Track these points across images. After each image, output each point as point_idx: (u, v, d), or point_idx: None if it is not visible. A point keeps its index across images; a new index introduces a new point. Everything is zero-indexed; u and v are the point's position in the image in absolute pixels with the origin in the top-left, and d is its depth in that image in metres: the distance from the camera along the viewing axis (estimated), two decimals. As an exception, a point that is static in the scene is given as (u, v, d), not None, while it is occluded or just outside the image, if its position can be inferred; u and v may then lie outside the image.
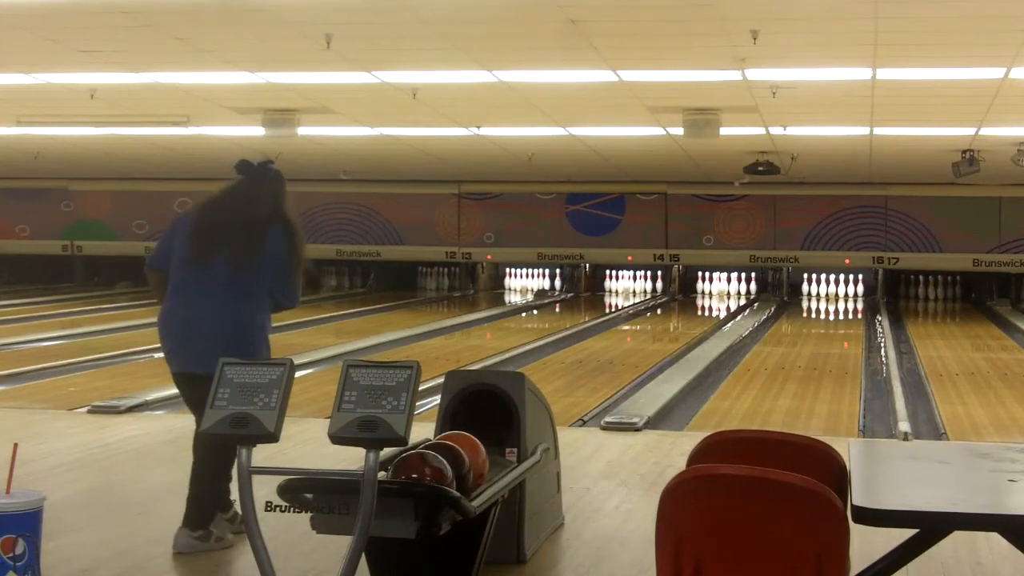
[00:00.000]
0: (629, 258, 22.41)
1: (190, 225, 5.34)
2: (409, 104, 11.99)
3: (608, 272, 23.22)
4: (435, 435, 5.01)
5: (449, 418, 5.26)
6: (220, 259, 5.23)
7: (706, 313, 20.23)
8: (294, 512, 4.05)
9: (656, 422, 8.86)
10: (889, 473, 4.09)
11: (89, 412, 8.94)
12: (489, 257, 22.71)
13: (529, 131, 14.80)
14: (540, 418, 5.53)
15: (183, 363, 5.23)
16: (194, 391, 5.10)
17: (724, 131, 12.81)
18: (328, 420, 3.83)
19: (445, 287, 23.33)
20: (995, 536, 3.93)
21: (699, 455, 4.06)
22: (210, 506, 5.29)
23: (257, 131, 13.69)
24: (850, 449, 4.19)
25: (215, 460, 5.22)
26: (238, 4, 8.42)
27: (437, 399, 5.57)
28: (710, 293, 22.62)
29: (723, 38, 8.95)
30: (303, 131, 13.77)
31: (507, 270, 23.65)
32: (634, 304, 21.26)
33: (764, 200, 21.28)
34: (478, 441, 4.63)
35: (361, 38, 9.46)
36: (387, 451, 4.14)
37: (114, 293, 21.92)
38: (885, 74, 10.20)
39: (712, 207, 21.65)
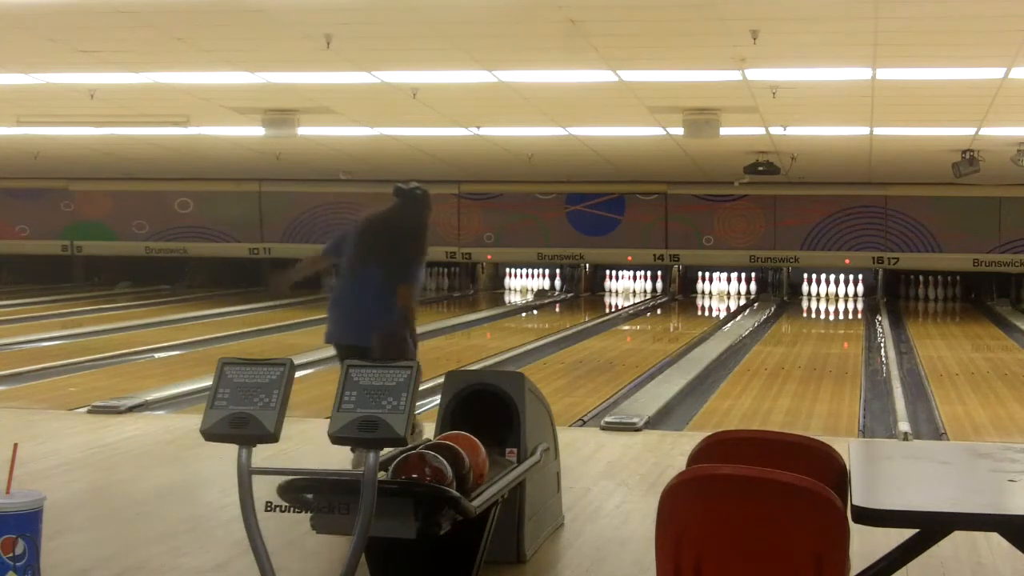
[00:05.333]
0: (629, 258, 22.41)
1: (359, 233, 6.80)
2: (409, 104, 11.99)
3: (608, 272, 23.21)
4: (435, 435, 5.01)
5: (449, 418, 5.26)
6: (375, 263, 6.64)
7: (706, 313, 20.23)
8: (294, 512, 4.05)
9: (656, 422, 8.86)
10: (889, 473, 4.09)
11: (89, 412, 8.94)
12: (489, 257, 22.71)
13: (529, 131, 14.80)
14: (540, 418, 5.53)
15: (342, 337, 6.72)
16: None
17: (724, 131, 12.81)
18: (328, 420, 3.83)
19: (445, 287, 23.33)
20: (995, 536, 3.94)
21: (699, 455, 4.06)
22: None
23: (257, 131, 13.69)
24: (850, 449, 4.19)
25: None
26: (238, 4, 8.42)
27: (437, 399, 5.57)
28: (710, 293, 22.61)
29: (723, 38, 8.95)
30: (303, 131, 13.77)
31: (507, 270, 23.65)
32: (634, 304, 21.26)
33: (764, 200, 21.28)
34: (478, 441, 4.63)
35: (361, 38, 9.46)
36: (387, 451, 4.14)
37: (114, 293, 21.93)
38: (885, 74, 10.20)
39: (712, 207, 21.65)
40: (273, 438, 3.79)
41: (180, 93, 12.12)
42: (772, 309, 19.87)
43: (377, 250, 6.67)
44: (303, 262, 7.30)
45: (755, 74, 10.31)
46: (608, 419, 8.55)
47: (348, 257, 6.80)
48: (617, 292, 23.03)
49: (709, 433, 4.25)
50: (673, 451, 7.49)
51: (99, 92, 12.01)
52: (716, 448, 4.07)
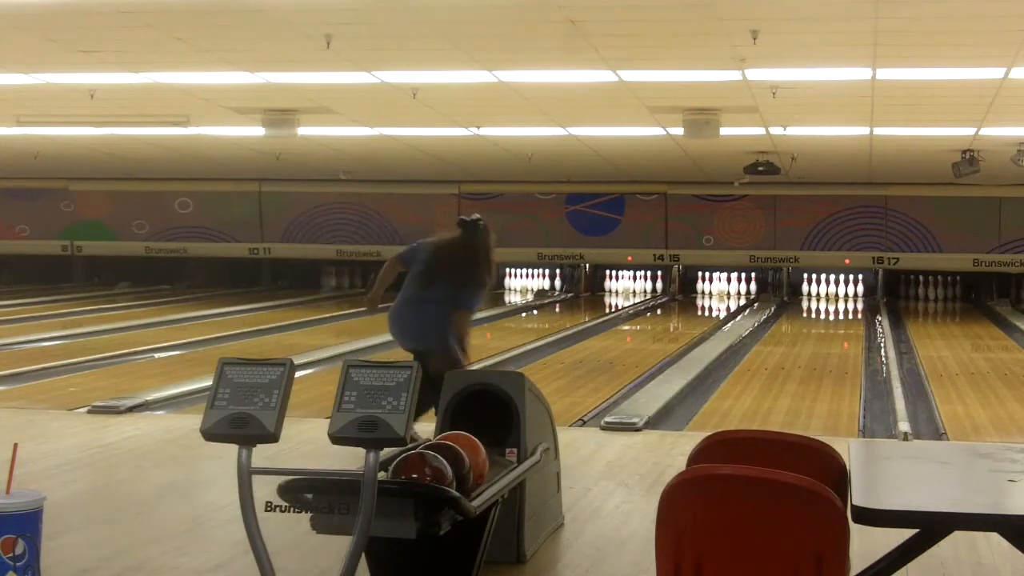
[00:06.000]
0: (629, 258, 22.41)
1: (428, 254, 7.46)
2: (409, 104, 11.99)
3: (608, 272, 23.21)
4: (435, 435, 5.01)
5: (449, 418, 5.26)
6: (440, 282, 7.32)
7: (706, 313, 20.23)
8: (294, 512, 4.05)
9: (656, 422, 8.86)
10: (889, 473, 4.08)
11: (89, 412, 8.94)
12: (489, 257, 22.68)
13: (529, 131, 14.80)
14: (540, 418, 5.53)
15: (407, 342, 7.49)
16: (416, 358, 7.17)
17: (724, 131, 12.81)
18: (328, 420, 3.83)
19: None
20: (995, 536, 3.94)
21: (699, 455, 4.06)
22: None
23: (257, 131, 13.69)
24: (850, 449, 4.19)
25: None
26: (238, 4, 8.42)
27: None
28: (710, 293, 22.61)
29: (723, 38, 8.95)
30: (303, 131, 13.77)
31: (507, 270, 23.64)
32: (634, 304, 21.26)
33: (764, 200, 21.28)
34: (478, 441, 4.63)
35: (361, 38, 9.46)
36: (387, 451, 4.14)
37: (114, 293, 21.93)
38: (885, 74, 10.20)
39: (712, 207, 21.65)
40: (273, 438, 3.78)
41: (180, 93, 12.12)
42: (772, 309, 19.87)
43: (441, 274, 7.35)
44: (380, 277, 7.78)
45: (755, 74, 10.31)
46: (608, 419, 8.55)
47: (416, 273, 7.45)
48: (617, 292, 23.03)
49: (709, 433, 4.24)
50: (673, 451, 7.49)
51: (99, 92, 12.01)
52: (716, 448, 4.07)
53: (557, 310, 20.71)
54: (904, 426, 8.60)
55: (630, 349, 14.82)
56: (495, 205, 21.85)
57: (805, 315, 20.10)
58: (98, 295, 21.26)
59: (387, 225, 22.54)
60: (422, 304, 7.38)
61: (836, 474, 3.91)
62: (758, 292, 22.38)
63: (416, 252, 7.57)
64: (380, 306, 7.78)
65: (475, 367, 11.30)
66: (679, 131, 13.22)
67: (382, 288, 7.72)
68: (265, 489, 3.98)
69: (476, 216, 7.62)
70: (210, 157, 18.60)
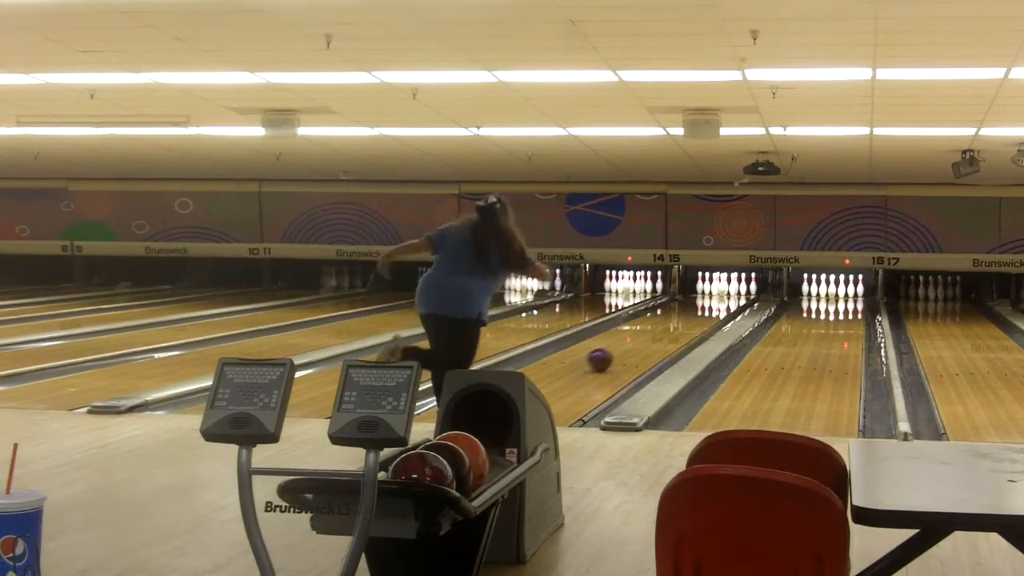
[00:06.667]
0: (629, 258, 22.41)
1: (457, 241, 7.58)
2: (409, 104, 11.99)
3: (608, 272, 23.20)
4: (435, 435, 5.01)
5: (449, 418, 5.26)
6: (473, 266, 7.49)
7: (706, 313, 20.23)
8: (294, 512, 4.04)
9: (656, 422, 8.85)
10: (889, 473, 4.08)
11: (89, 412, 8.93)
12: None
13: (529, 131, 14.80)
14: (540, 418, 5.53)
15: (437, 308, 7.51)
16: (439, 328, 7.51)
17: (724, 131, 12.81)
18: (328, 420, 3.83)
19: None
20: (995, 536, 3.93)
21: (699, 455, 4.06)
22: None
23: (257, 131, 13.69)
24: (850, 449, 4.19)
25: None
26: (238, 4, 8.42)
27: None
28: (710, 293, 22.61)
29: (723, 38, 8.95)
30: (303, 131, 13.77)
31: (507, 270, 23.61)
32: (634, 304, 21.26)
33: (764, 200, 21.28)
34: (478, 441, 4.63)
35: (361, 38, 9.46)
36: (387, 451, 4.14)
37: (114, 293, 21.93)
38: (885, 74, 10.20)
39: (712, 207, 21.64)
40: (273, 438, 3.78)
41: (180, 93, 12.12)
42: (772, 309, 19.86)
43: (471, 259, 7.52)
44: (404, 246, 8.05)
45: (755, 74, 10.31)
46: (608, 419, 8.55)
47: (448, 258, 7.59)
48: (617, 292, 23.03)
49: (709, 433, 4.24)
50: (673, 451, 7.49)
51: (99, 92, 12.01)
52: (716, 448, 4.07)
53: (557, 310, 20.71)
54: (904, 426, 8.60)
55: (630, 349, 14.82)
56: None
57: (805, 315, 20.10)
58: (98, 295, 21.26)
59: (387, 225, 22.55)
60: (458, 283, 7.52)
61: (836, 474, 3.91)
62: (758, 292, 22.37)
63: (444, 237, 7.68)
64: (387, 277, 7.95)
65: (475, 367, 11.32)
66: (679, 131, 13.22)
67: (400, 256, 7.97)
68: (265, 489, 3.98)
69: (492, 199, 7.69)
70: (210, 157, 18.60)
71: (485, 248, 7.53)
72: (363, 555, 3.81)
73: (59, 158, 19.04)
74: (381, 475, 4.07)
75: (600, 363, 11.75)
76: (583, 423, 8.87)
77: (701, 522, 3.49)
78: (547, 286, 22.70)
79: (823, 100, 11.71)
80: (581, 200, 22.07)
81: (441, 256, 7.64)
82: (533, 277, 7.73)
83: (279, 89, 11.80)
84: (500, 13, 8.58)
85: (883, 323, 17.40)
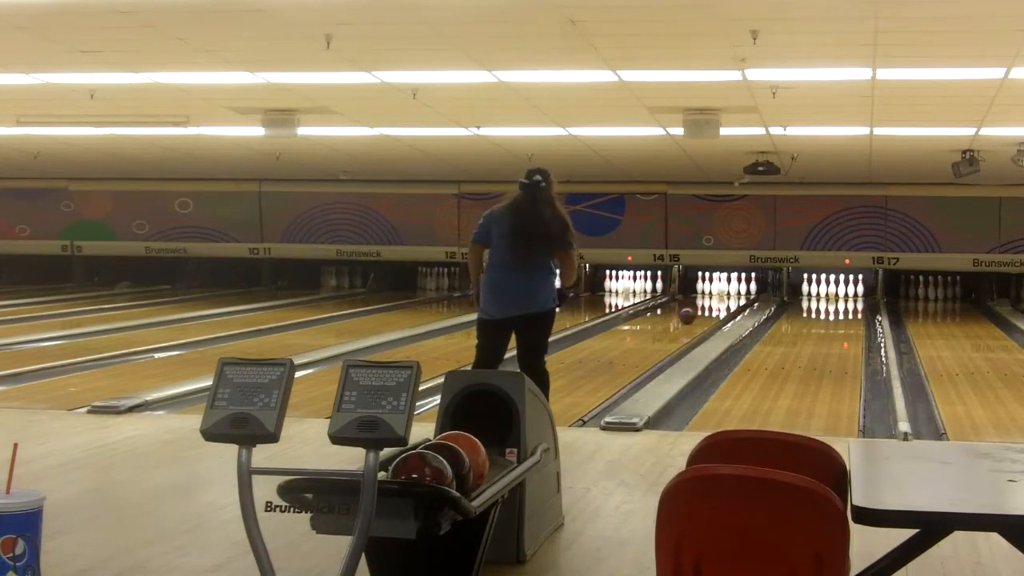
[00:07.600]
0: (629, 258, 22.41)
1: (504, 225, 7.45)
2: (409, 104, 11.99)
3: (608, 272, 23.21)
4: (435, 435, 5.01)
5: (449, 418, 5.26)
6: (527, 249, 7.38)
7: (706, 313, 20.22)
8: (294, 512, 4.04)
9: (656, 422, 8.85)
10: (889, 473, 4.08)
11: (89, 412, 8.93)
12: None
13: (529, 131, 14.80)
14: (540, 418, 5.53)
15: (512, 310, 7.45)
16: (517, 327, 7.52)
17: (724, 131, 12.81)
18: (328, 420, 3.83)
19: (445, 287, 23.33)
20: (995, 536, 3.93)
21: (699, 455, 4.05)
22: None
23: (257, 131, 13.69)
24: (850, 449, 4.19)
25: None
26: (238, 4, 8.42)
27: (437, 399, 5.57)
28: (710, 293, 22.61)
29: (723, 38, 8.95)
30: (303, 131, 13.77)
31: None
32: (634, 304, 21.26)
33: (764, 200, 21.28)
34: (478, 441, 4.63)
35: (361, 38, 9.47)
36: (387, 451, 4.14)
37: (114, 293, 21.93)
38: (885, 74, 10.20)
39: (712, 207, 21.65)
40: (273, 438, 3.78)
41: (180, 93, 12.13)
42: (772, 309, 19.87)
43: (522, 240, 7.39)
44: (471, 269, 7.91)
45: (755, 74, 10.31)
46: (608, 419, 8.55)
47: (500, 244, 7.47)
48: (617, 292, 23.03)
49: (709, 433, 4.24)
50: (673, 451, 7.48)
51: (99, 92, 12.01)
52: (716, 448, 4.07)
53: (557, 310, 20.67)
54: (904, 426, 8.60)
55: (630, 349, 14.82)
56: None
57: (805, 315, 20.10)
58: (98, 295, 21.26)
59: (387, 225, 22.55)
60: (517, 272, 7.45)
61: (836, 474, 3.91)
62: (758, 292, 22.38)
63: (489, 225, 7.57)
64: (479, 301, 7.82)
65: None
66: (679, 131, 13.22)
67: (477, 276, 7.76)
68: (265, 489, 3.98)
69: (536, 176, 7.55)
70: (210, 157, 18.60)
71: (530, 239, 7.39)
72: (363, 555, 3.81)
73: (59, 158, 19.04)
74: (381, 475, 4.07)
75: (687, 319, 14.22)
76: (583, 423, 8.87)
77: (701, 522, 3.49)
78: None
79: (823, 100, 11.71)
80: (581, 200, 22.05)
81: (492, 251, 7.54)
82: (564, 269, 7.66)
83: (279, 89, 11.80)
84: (500, 13, 8.58)
85: (883, 323, 17.40)
